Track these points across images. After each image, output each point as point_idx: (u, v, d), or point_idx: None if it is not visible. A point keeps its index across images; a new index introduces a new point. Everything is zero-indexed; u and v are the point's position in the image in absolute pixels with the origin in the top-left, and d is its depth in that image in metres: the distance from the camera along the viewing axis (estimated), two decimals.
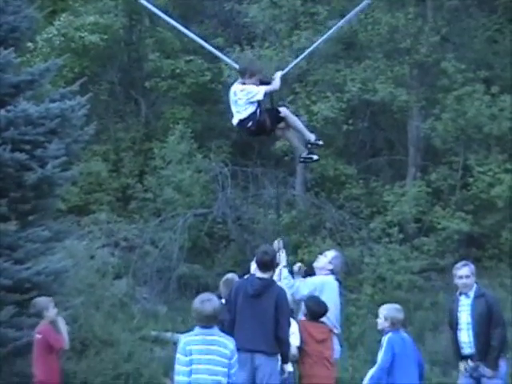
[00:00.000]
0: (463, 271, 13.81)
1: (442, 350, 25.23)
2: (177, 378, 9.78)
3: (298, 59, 16.24)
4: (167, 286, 29.36)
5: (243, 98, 12.55)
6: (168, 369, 24.92)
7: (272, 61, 30.16)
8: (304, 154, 13.21)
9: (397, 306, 12.32)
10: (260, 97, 12.53)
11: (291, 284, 13.04)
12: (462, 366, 13.75)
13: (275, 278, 12.74)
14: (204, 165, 31.46)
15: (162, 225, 30.35)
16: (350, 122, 30.96)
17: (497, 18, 33.16)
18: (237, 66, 13.63)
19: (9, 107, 23.85)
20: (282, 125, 12.99)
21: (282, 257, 13.17)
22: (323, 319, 12.89)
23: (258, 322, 11.77)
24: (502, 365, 13.54)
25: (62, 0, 29.96)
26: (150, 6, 16.02)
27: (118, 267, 28.25)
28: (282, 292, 12.14)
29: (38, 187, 24.17)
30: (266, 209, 29.59)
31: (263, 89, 12.56)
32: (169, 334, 26.52)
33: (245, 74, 12.84)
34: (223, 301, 12.73)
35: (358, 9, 14.51)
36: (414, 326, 26.03)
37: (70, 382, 14.58)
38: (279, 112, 12.85)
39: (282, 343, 11.84)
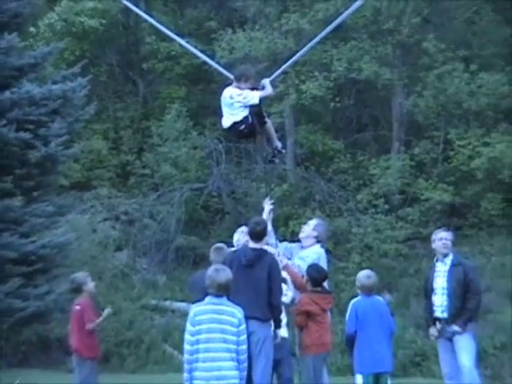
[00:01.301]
0: (443, 234, 13.88)
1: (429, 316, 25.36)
2: (185, 346, 9.71)
3: (285, 66, 16.01)
4: (165, 256, 29.45)
5: (241, 102, 12.65)
6: (167, 335, 25.29)
7: (262, 42, 30.25)
8: (270, 157, 13.69)
9: (367, 272, 12.20)
10: (256, 101, 12.62)
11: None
12: (432, 329, 13.70)
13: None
14: (199, 142, 31.56)
15: (159, 199, 30.45)
16: (337, 99, 31.02)
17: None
18: (230, 76, 13.52)
19: (13, 89, 23.94)
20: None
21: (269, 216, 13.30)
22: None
23: (252, 290, 11.70)
24: (473, 328, 13.56)
25: None
26: (137, 11, 15.93)
27: (119, 240, 28.46)
28: (273, 261, 12.08)
29: (41, 165, 24.27)
30: (258, 183, 29.59)
31: (258, 94, 12.68)
32: (168, 303, 26.77)
33: (241, 78, 12.89)
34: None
35: (349, 10, 14.34)
36: (400, 291, 26.31)
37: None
38: (264, 117, 13.04)
39: (274, 309, 11.80)
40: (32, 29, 27.17)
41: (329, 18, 30.29)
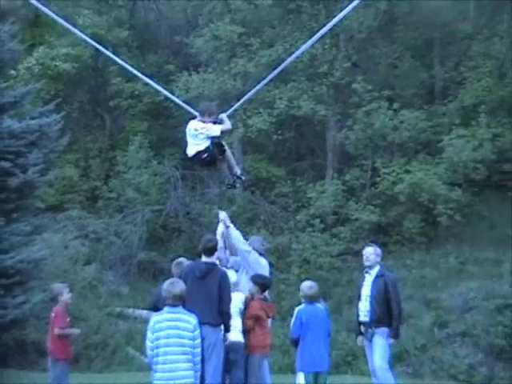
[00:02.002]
0: (367, 250, 14.34)
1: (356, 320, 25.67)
2: (147, 351, 9.78)
3: (242, 101, 16.19)
4: (129, 270, 29.51)
5: (204, 133, 12.80)
6: (130, 339, 25.20)
7: (214, 83, 30.49)
8: (230, 182, 13.70)
9: (310, 283, 12.32)
10: (218, 133, 12.81)
11: (248, 248, 13.30)
12: (359, 338, 14.21)
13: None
14: (159, 169, 31.52)
15: (124, 219, 30.43)
16: (279, 132, 31.27)
17: (396, 47, 33.69)
18: (195, 112, 13.58)
19: None
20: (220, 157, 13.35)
21: (228, 222, 13.38)
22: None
23: (205, 298, 11.75)
24: (385, 332, 13.78)
25: (40, 35, 29.86)
26: (109, 54, 16.01)
27: (88, 255, 28.27)
28: (223, 273, 12.19)
29: (20, 190, 24.28)
30: (210, 205, 29.72)
31: (219, 127, 12.88)
32: (130, 310, 26.74)
33: (205, 113, 13.08)
34: None
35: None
36: (333, 299, 26.40)
37: (44, 351, 14.50)
38: (223, 146, 13.17)
39: (224, 315, 11.87)
40: (12, 71, 27.20)
41: (271, 63, 30.82)
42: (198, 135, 12.88)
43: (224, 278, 12.10)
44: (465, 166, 30.09)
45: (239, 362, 12.34)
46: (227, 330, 12.05)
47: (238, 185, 13.90)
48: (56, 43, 29.78)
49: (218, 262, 12.58)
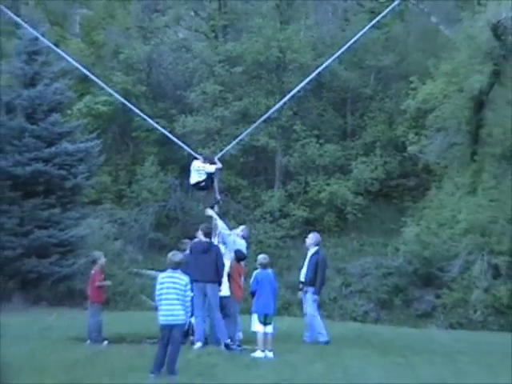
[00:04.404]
0: (308, 236, 14.55)
1: (292, 280, 25.90)
2: (156, 297, 9.79)
3: (229, 146, 17.38)
4: (143, 245, 29.26)
5: (204, 170, 13.82)
6: (142, 290, 25.29)
7: (202, 123, 30.50)
8: (211, 204, 14.14)
9: (263, 256, 12.26)
10: (212, 170, 13.89)
11: (228, 232, 13.49)
12: (299, 293, 14.39)
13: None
14: (164, 179, 31.19)
15: (140, 211, 30.13)
16: (244, 156, 31.29)
17: (322, 103, 33.73)
18: (196, 155, 14.49)
19: (57, 145, 24.23)
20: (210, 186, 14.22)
21: (216, 217, 13.60)
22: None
23: (207, 265, 12.24)
24: (316, 290, 13.95)
25: (87, 87, 29.76)
26: (131, 106, 16.15)
27: (116, 234, 28.18)
28: (218, 248, 12.76)
29: (72, 189, 24.73)
30: (198, 203, 29.30)
31: (214, 167, 13.92)
32: (143, 271, 26.77)
33: (206, 159, 14.15)
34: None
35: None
36: (277, 267, 26.00)
37: (86, 296, 14.61)
38: (213, 180, 14.06)
39: (219, 276, 12.37)
40: (69, 111, 27.28)
41: (241, 110, 31.09)
42: (200, 171, 13.83)
43: (219, 251, 12.72)
44: (365, 181, 30.38)
45: (227, 306, 12.68)
46: (220, 284, 12.47)
47: (216, 207, 14.08)
48: (98, 93, 29.72)
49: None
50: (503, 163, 26.04)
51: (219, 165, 14.12)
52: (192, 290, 10.45)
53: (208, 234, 12.71)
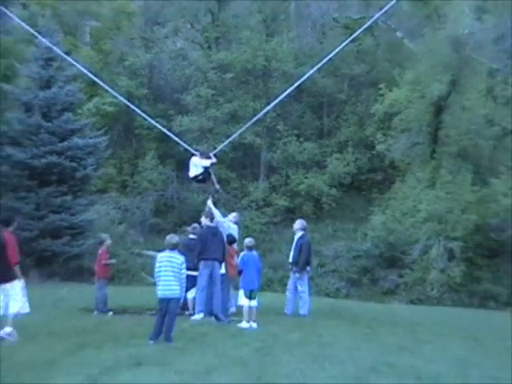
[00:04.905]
0: (295, 221, 14.62)
1: (274, 261, 26.04)
2: (155, 274, 9.79)
3: (223, 144, 17.13)
4: (143, 228, 29.17)
5: (201, 165, 13.70)
6: (143, 268, 25.17)
7: (196, 122, 30.40)
8: (212, 193, 14.34)
9: (249, 239, 12.17)
10: (208, 165, 13.71)
11: (223, 219, 13.54)
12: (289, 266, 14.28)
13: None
14: (163, 171, 31.13)
15: (142, 199, 30.05)
16: (233, 152, 31.12)
17: (302, 106, 33.64)
18: (194, 151, 14.31)
19: (69, 141, 24.15)
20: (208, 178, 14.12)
21: (212, 206, 13.55)
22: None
23: (216, 246, 12.38)
24: (306, 274, 13.94)
25: (96, 90, 29.36)
26: (134, 108, 16.03)
27: (120, 219, 28.01)
28: (221, 233, 12.79)
29: (82, 179, 24.64)
30: (191, 193, 29.48)
31: (209, 161, 13.78)
32: (144, 251, 26.56)
33: (202, 155, 13.99)
34: (192, 236, 13.48)
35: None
36: (261, 249, 25.88)
37: (93, 273, 14.69)
38: (210, 173, 13.92)
39: (224, 255, 12.56)
40: (79, 110, 27.18)
41: (231, 112, 31.04)
42: (197, 165, 13.69)
43: (222, 235, 12.85)
44: (338, 175, 30.50)
45: (222, 282, 12.59)
46: (221, 262, 12.60)
47: (216, 195, 14.35)
48: (105, 95, 29.56)
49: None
50: (458, 160, 26.26)
51: (214, 160, 13.94)
52: (187, 268, 10.26)
53: (212, 219, 12.83)
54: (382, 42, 33.49)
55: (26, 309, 10.21)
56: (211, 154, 14.13)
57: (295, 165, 31.44)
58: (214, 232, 12.61)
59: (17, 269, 9.94)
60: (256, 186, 31.10)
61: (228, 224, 13.58)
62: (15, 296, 9.93)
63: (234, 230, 13.63)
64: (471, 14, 25.79)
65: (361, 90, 33.50)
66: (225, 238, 12.82)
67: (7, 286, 9.89)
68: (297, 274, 13.84)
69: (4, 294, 9.90)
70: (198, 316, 12.17)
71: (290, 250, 14.27)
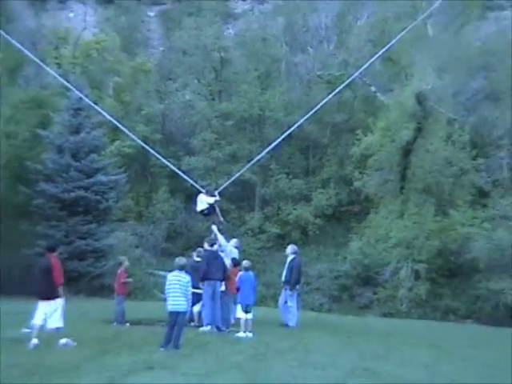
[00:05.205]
0: (287, 247, 14.29)
1: (268, 280, 25.85)
2: (165, 291, 9.75)
3: (227, 182, 16.65)
4: (156, 252, 28.94)
5: (205, 201, 13.69)
6: (155, 286, 24.68)
7: (201, 162, 30.27)
8: (217, 224, 13.94)
9: (246, 261, 12.17)
10: (212, 202, 13.68)
11: (226, 244, 13.52)
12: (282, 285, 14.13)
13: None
14: (173, 203, 31.00)
15: (155, 227, 29.87)
16: (232, 187, 29.48)
17: (291, 148, 33.22)
18: (200, 188, 14.31)
19: (94, 177, 24.16)
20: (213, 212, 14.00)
21: (217, 232, 13.52)
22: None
23: (216, 267, 12.29)
24: (296, 291, 13.77)
25: (117, 135, 29.44)
26: (149, 149, 15.99)
27: (136, 244, 27.84)
28: (221, 256, 12.73)
29: (105, 210, 24.62)
30: (197, 222, 29.04)
31: (213, 199, 13.77)
32: (156, 271, 26.14)
33: (207, 192, 13.94)
34: (197, 259, 13.33)
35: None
36: (256, 269, 25.68)
37: (113, 290, 14.53)
38: (215, 207, 13.84)
39: (225, 276, 12.49)
40: (103, 152, 27.18)
41: (232, 153, 30.96)
42: (203, 201, 13.70)
43: (222, 258, 12.76)
44: (322, 207, 30.40)
45: (222, 298, 12.54)
46: (223, 281, 12.51)
47: (221, 226, 14.03)
48: (125, 139, 29.39)
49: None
50: (423, 195, 26.35)
51: (218, 197, 13.95)
52: (193, 287, 10.25)
53: (212, 245, 12.73)
54: (359, 95, 33.74)
55: (60, 324, 10.19)
56: (215, 193, 14.13)
57: (285, 198, 31.34)
58: (215, 255, 12.56)
59: (60, 289, 9.98)
60: (252, 216, 31.01)
61: (230, 248, 13.57)
62: (56, 313, 10.01)
63: (234, 253, 13.58)
64: (433, 73, 26.17)
65: (341, 136, 33.51)
66: (224, 261, 12.74)
67: (51, 302, 9.97)
68: (288, 291, 13.73)
69: (48, 309, 9.98)
70: (206, 328, 12.13)
71: (281, 271, 14.17)
